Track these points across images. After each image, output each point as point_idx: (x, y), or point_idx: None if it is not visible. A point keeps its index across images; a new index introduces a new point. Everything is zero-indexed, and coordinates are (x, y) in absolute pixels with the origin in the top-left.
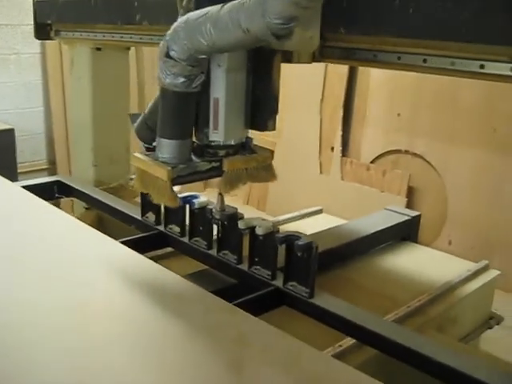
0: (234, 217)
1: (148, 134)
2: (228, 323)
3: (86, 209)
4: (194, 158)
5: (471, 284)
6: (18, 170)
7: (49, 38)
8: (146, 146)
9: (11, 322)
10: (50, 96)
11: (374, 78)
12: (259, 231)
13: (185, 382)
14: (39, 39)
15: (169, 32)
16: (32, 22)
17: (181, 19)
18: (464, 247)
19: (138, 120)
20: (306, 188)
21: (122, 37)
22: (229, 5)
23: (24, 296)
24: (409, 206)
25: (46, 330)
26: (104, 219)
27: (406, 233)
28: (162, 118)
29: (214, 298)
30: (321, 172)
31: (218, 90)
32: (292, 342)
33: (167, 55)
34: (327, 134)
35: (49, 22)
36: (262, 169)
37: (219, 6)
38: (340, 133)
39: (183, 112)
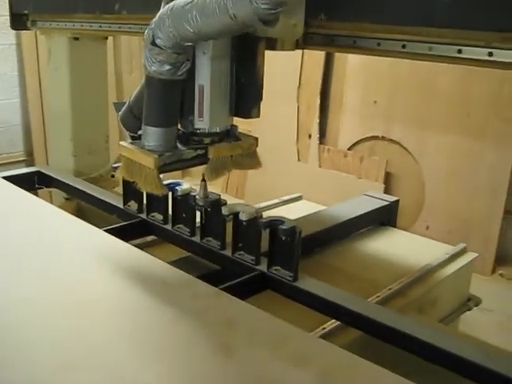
0: (218, 203)
1: (133, 123)
2: (216, 307)
3: (66, 199)
4: (179, 145)
5: (450, 267)
6: None
7: (26, 29)
8: (132, 134)
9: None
10: (26, 87)
11: (350, 65)
12: (243, 217)
13: (175, 365)
14: (15, 29)
15: (154, 20)
16: (6, 13)
17: (166, 7)
18: (441, 232)
19: (123, 108)
20: (284, 175)
21: (100, 26)
22: None
23: (20, 293)
24: (386, 191)
25: (42, 325)
26: (83, 209)
27: (385, 218)
28: (148, 106)
29: (201, 283)
30: (299, 159)
31: (203, 78)
32: (279, 324)
33: (153, 43)
34: (304, 122)
35: (25, 12)
36: (247, 156)
37: None
38: (317, 120)
39: (169, 99)
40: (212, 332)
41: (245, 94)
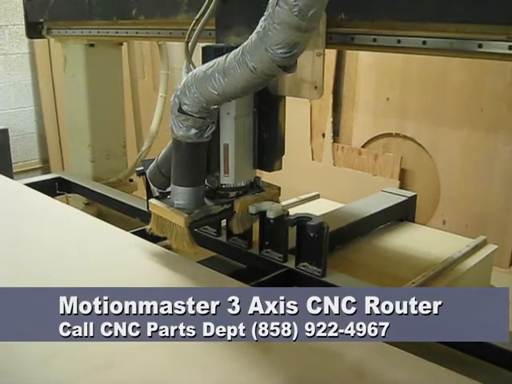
0: None
1: (161, 181)
2: None
3: (86, 204)
4: (206, 200)
5: (471, 259)
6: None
7: (41, 37)
8: (160, 190)
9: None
10: (40, 95)
11: (361, 63)
12: (270, 215)
13: (217, 360)
14: (31, 38)
15: (179, 87)
16: (18, 23)
17: (190, 73)
18: (458, 226)
19: (151, 166)
20: (299, 175)
21: (117, 32)
22: (233, 52)
23: None
24: (402, 188)
25: None
26: (103, 214)
27: (403, 213)
28: (176, 167)
29: (233, 281)
30: (313, 159)
31: (228, 137)
32: None
33: (180, 110)
34: (317, 121)
35: (41, 20)
36: None
37: (224, 55)
38: (330, 119)
39: (196, 161)
40: None
41: (267, 149)
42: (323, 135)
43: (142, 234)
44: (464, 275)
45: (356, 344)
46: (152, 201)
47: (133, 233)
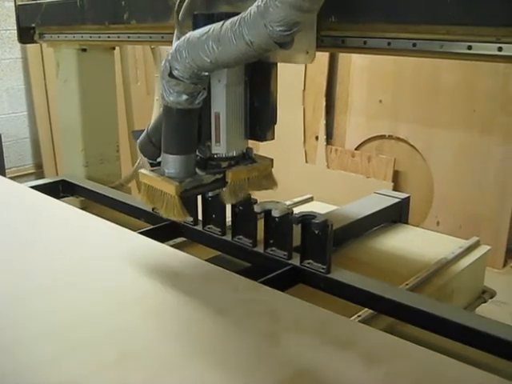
0: (249, 201)
1: (152, 151)
2: (257, 299)
3: (88, 207)
4: (198, 171)
5: (464, 260)
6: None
7: (33, 42)
8: (151, 161)
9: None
10: (33, 100)
11: (354, 65)
12: (276, 213)
13: (224, 356)
14: (23, 43)
15: (171, 51)
16: (10, 27)
17: (182, 38)
18: (452, 227)
19: (141, 136)
20: (293, 177)
21: (109, 36)
22: (229, 21)
23: (61, 297)
24: (395, 189)
25: (84, 327)
26: (107, 216)
27: (397, 215)
28: (167, 135)
29: (240, 278)
30: (306, 161)
31: (219, 105)
32: (321, 311)
33: (170, 74)
34: (311, 123)
35: (33, 25)
36: (263, 177)
37: (220, 23)
38: (324, 121)
39: (187, 128)
40: (256, 322)
41: (259, 118)
42: (316, 138)
43: (147, 235)
44: (457, 276)
45: (365, 336)
46: (142, 171)
47: (139, 233)
